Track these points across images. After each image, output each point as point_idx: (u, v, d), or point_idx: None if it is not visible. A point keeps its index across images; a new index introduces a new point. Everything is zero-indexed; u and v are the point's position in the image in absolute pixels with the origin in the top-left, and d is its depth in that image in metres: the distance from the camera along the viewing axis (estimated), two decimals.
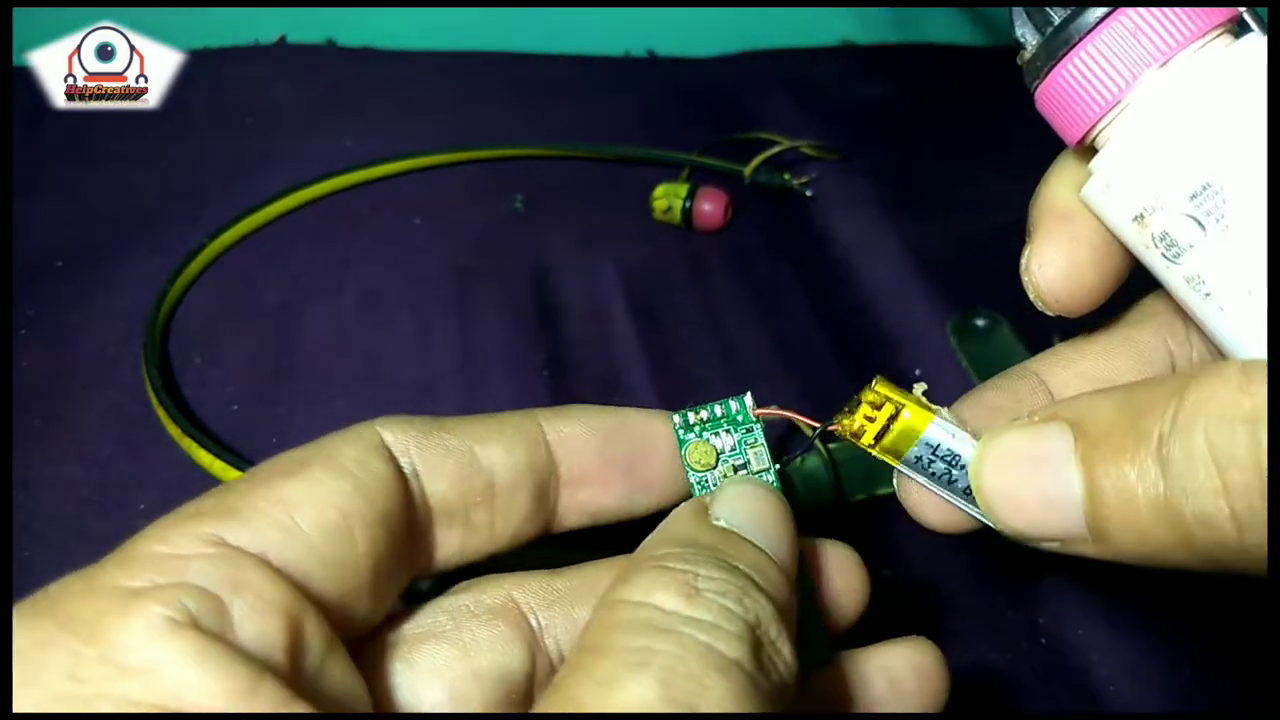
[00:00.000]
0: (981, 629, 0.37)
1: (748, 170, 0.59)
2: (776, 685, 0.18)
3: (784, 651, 0.19)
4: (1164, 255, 0.20)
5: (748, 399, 0.25)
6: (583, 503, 0.24)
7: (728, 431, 0.25)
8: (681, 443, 0.24)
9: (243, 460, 0.39)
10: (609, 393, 0.46)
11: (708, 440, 0.24)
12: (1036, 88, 0.22)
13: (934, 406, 0.24)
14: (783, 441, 0.44)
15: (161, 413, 0.41)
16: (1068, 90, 0.21)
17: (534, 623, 0.23)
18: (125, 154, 0.60)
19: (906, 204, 0.60)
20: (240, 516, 0.18)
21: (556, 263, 0.54)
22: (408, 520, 0.21)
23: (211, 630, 0.16)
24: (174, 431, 0.40)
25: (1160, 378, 0.19)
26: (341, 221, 0.56)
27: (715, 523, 0.21)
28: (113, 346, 0.46)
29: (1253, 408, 0.16)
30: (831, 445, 0.42)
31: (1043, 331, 0.49)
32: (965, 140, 0.67)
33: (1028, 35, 0.22)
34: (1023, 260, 0.24)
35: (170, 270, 0.49)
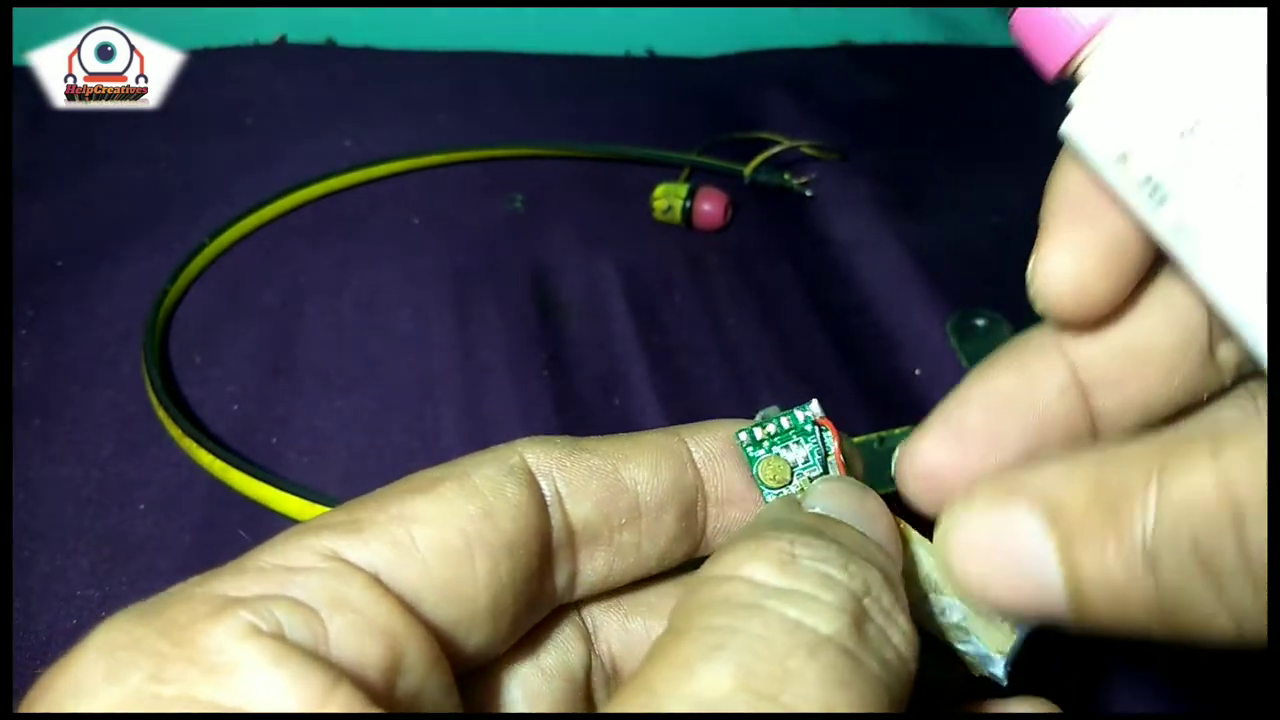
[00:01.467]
0: None
1: (748, 170, 0.59)
2: (889, 665, 0.16)
3: (899, 622, 0.17)
4: (1149, 199, 0.19)
5: (814, 407, 0.23)
6: (733, 522, 0.23)
7: (797, 444, 0.23)
8: (751, 461, 0.23)
9: (243, 460, 0.39)
10: (609, 393, 0.46)
11: (778, 455, 0.23)
12: (1011, 11, 0.20)
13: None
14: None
15: (161, 413, 0.41)
16: (1047, 16, 0.19)
17: (588, 623, 0.23)
18: (125, 154, 0.60)
19: (906, 204, 0.60)
20: (360, 532, 0.18)
21: (556, 263, 0.54)
22: (541, 548, 0.20)
23: (298, 642, 0.16)
24: (174, 431, 0.40)
25: (1127, 452, 0.17)
26: (341, 221, 0.56)
27: (811, 509, 0.20)
28: (113, 346, 0.46)
29: (1235, 508, 0.16)
30: None
31: None
32: (965, 140, 0.67)
33: None
34: (1030, 266, 0.22)
35: (170, 270, 0.49)
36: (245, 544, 0.38)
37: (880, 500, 0.21)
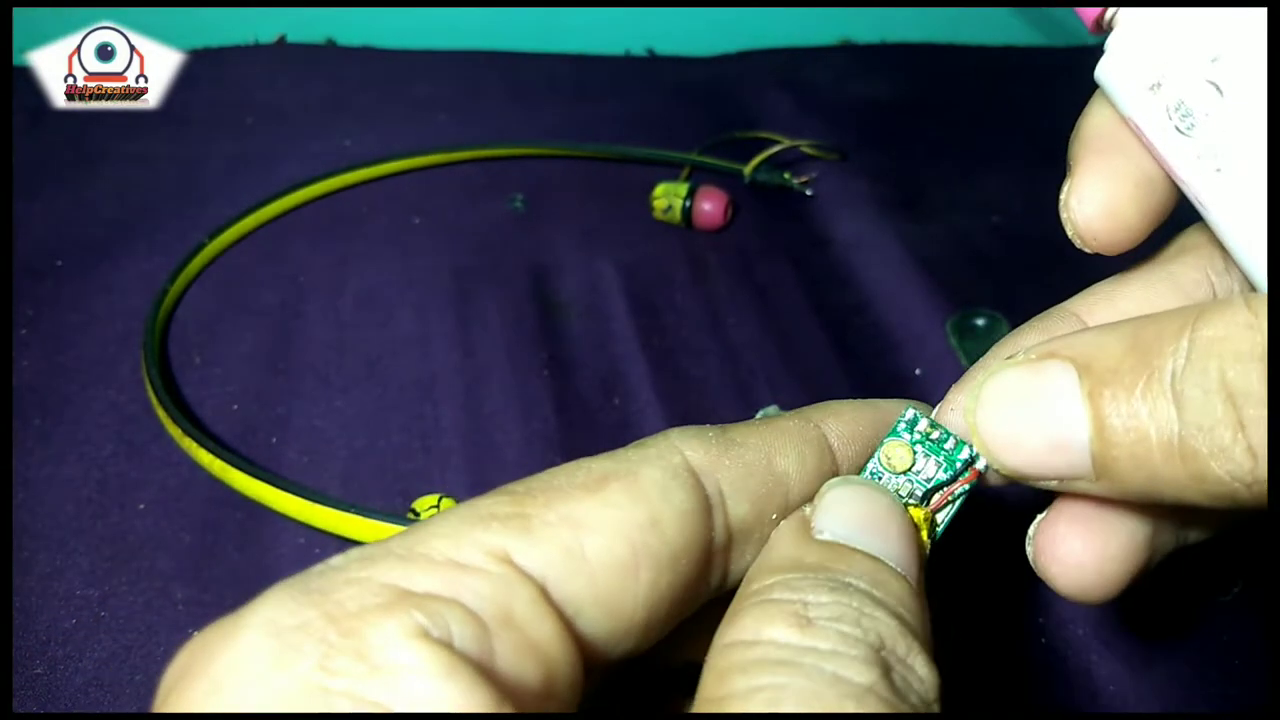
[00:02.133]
0: (981, 629, 0.37)
1: (748, 170, 0.59)
2: (918, 705, 0.17)
3: (917, 668, 0.18)
4: (1177, 128, 0.20)
5: (981, 463, 0.22)
6: None
7: (939, 463, 0.22)
8: (894, 433, 0.22)
9: (243, 460, 0.39)
10: (609, 393, 0.46)
11: (915, 450, 0.22)
12: None
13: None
14: None
15: (161, 413, 0.41)
16: None
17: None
18: (125, 154, 0.60)
19: (906, 204, 0.60)
20: (531, 532, 0.17)
21: (556, 262, 0.54)
22: (703, 556, 0.19)
23: (467, 654, 0.15)
24: (174, 431, 0.40)
25: (1164, 313, 0.18)
26: (341, 221, 0.56)
27: (819, 537, 0.20)
28: (113, 346, 0.46)
29: (1264, 343, 0.17)
30: None
31: None
32: (965, 140, 0.67)
33: None
34: (1061, 196, 0.23)
35: (170, 270, 0.49)
36: (245, 543, 0.38)
37: (892, 501, 0.21)
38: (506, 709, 0.15)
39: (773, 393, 0.46)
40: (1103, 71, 0.21)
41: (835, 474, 0.22)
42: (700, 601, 0.20)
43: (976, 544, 0.41)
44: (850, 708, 0.16)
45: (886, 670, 0.17)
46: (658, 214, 0.57)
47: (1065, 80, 0.82)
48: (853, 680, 0.16)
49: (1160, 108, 0.20)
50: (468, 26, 0.74)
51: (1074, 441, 0.18)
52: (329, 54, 0.72)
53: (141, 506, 0.39)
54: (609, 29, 0.76)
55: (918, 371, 0.48)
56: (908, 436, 0.22)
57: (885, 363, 0.49)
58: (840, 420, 0.22)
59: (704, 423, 0.40)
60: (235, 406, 0.44)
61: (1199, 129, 0.19)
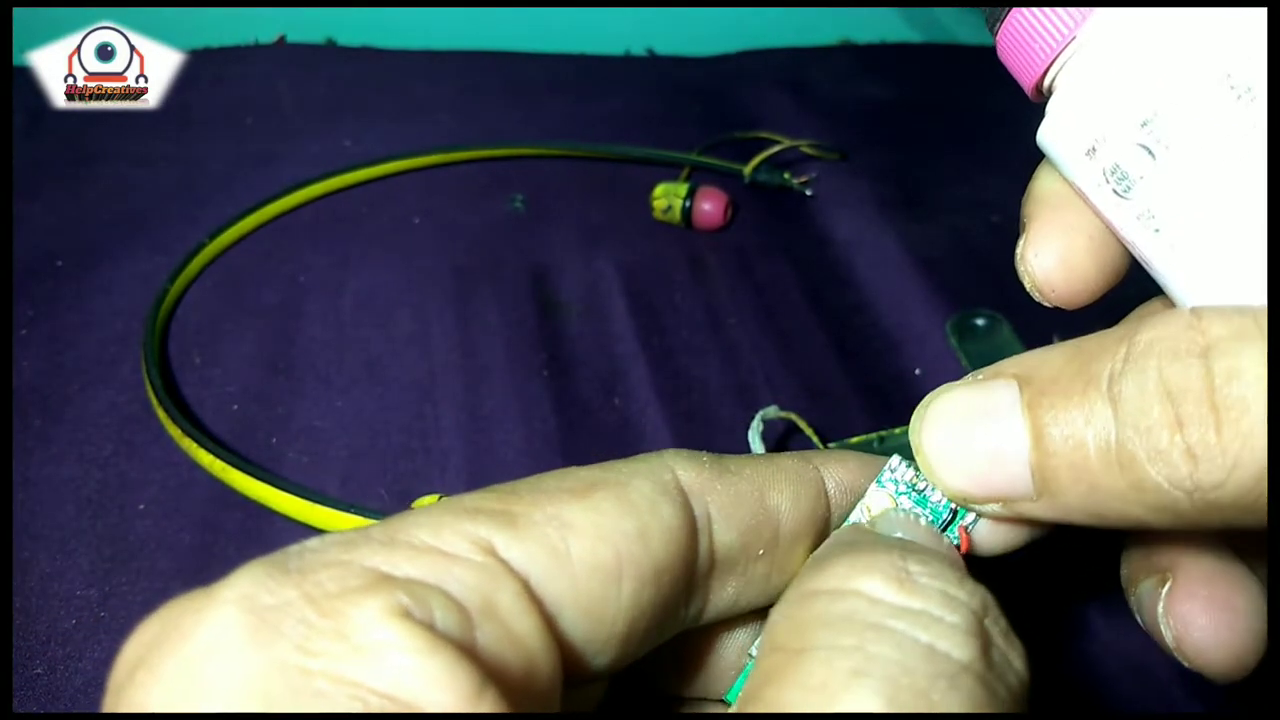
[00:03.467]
0: None
1: (748, 170, 0.59)
2: (1014, 691, 0.16)
3: (1017, 644, 0.17)
4: (1115, 191, 0.20)
5: (969, 518, 0.22)
6: None
7: (924, 514, 0.22)
8: (879, 482, 0.22)
9: (243, 460, 0.39)
10: (609, 393, 0.46)
11: (898, 501, 0.22)
12: (996, 35, 0.22)
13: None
14: (783, 440, 0.44)
15: (161, 413, 0.41)
16: (1023, 33, 0.21)
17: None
18: (125, 154, 0.60)
19: (906, 204, 0.60)
20: (517, 527, 0.17)
21: (556, 263, 0.54)
22: (685, 575, 0.19)
23: (450, 636, 0.15)
24: (174, 431, 0.40)
25: (1109, 330, 0.18)
26: (341, 221, 0.56)
27: (892, 535, 0.20)
28: (113, 346, 0.46)
29: (1205, 343, 0.16)
30: (831, 445, 0.42)
31: (1043, 331, 0.49)
32: (965, 140, 0.67)
33: None
34: (1018, 250, 0.23)
35: (170, 270, 0.49)
36: (245, 543, 0.38)
37: (944, 525, 0.21)
38: (489, 691, 0.14)
39: (773, 393, 0.46)
40: (1043, 136, 0.22)
41: (829, 520, 0.22)
42: (675, 629, 0.20)
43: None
44: (941, 689, 0.15)
45: (987, 646, 0.16)
46: (657, 214, 0.57)
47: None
48: (950, 655, 0.15)
49: (1098, 171, 0.20)
50: (468, 26, 0.74)
51: (1013, 455, 0.18)
52: (329, 54, 0.72)
53: (141, 506, 0.39)
54: (609, 29, 0.76)
55: (918, 371, 0.48)
56: (891, 487, 0.22)
57: (885, 363, 0.49)
58: (843, 468, 0.22)
59: (704, 423, 0.41)
60: (235, 406, 0.44)
61: (1135, 191, 0.20)
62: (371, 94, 0.68)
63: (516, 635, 0.16)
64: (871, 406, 0.46)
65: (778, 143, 0.61)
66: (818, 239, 0.57)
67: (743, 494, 0.20)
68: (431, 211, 0.57)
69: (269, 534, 0.38)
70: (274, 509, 0.38)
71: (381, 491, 0.40)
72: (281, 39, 0.73)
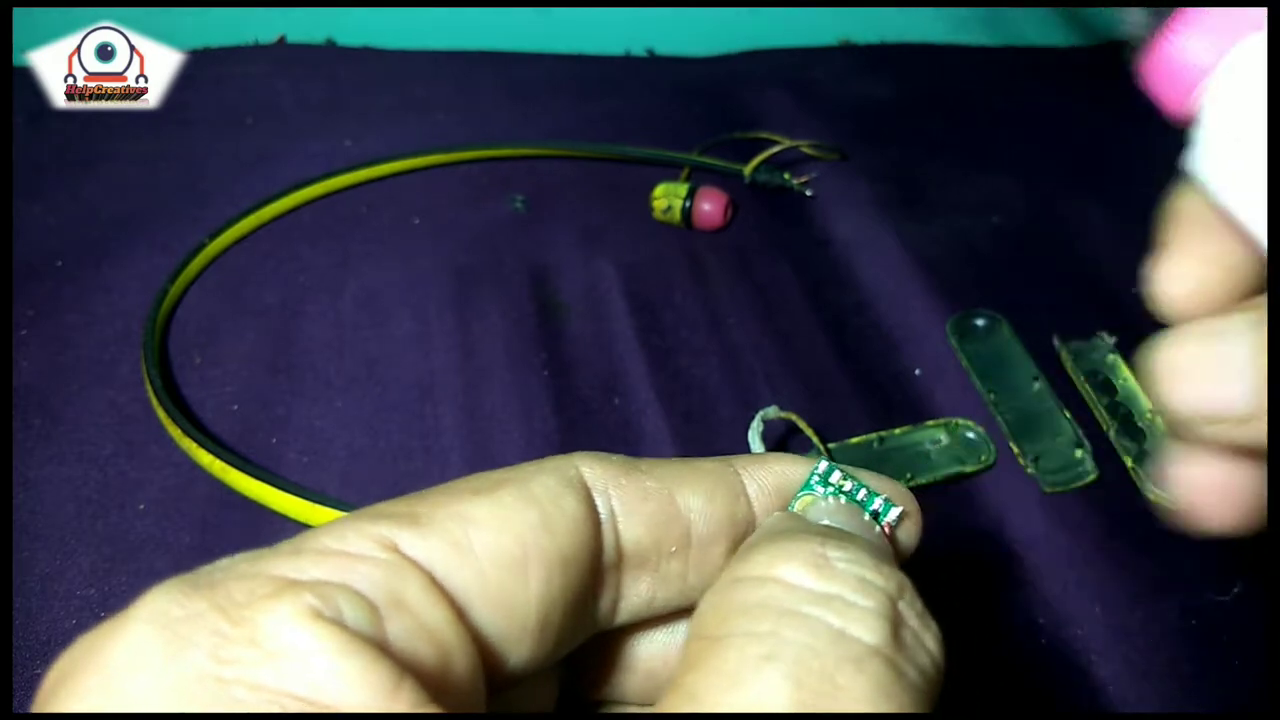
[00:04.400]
0: (981, 629, 0.38)
1: (748, 170, 0.59)
2: (925, 672, 0.17)
3: (931, 626, 0.17)
4: (1261, 214, 0.20)
5: (893, 515, 0.22)
6: None
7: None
8: (807, 486, 0.22)
9: (243, 460, 0.39)
10: (609, 393, 0.46)
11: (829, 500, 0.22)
12: (1144, 56, 0.22)
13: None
14: (783, 440, 0.44)
15: (161, 413, 0.41)
16: (1171, 56, 0.21)
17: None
18: (125, 154, 0.60)
19: (906, 204, 0.60)
20: (420, 525, 0.17)
21: (556, 263, 0.54)
22: (593, 566, 0.19)
23: (361, 633, 0.15)
24: (174, 431, 0.40)
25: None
26: (341, 221, 0.56)
27: (819, 522, 0.20)
28: (113, 346, 0.46)
29: None
30: (831, 446, 0.42)
31: (1043, 331, 0.49)
32: (965, 140, 0.67)
33: (1138, 18, 0.22)
34: (1151, 268, 0.24)
35: (170, 270, 0.49)
36: (246, 543, 0.38)
37: (871, 519, 0.21)
38: (406, 684, 0.14)
39: (773, 393, 0.46)
40: (1191, 160, 0.22)
41: (751, 522, 0.22)
42: (591, 628, 0.20)
43: (975, 545, 0.42)
44: (848, 672, 0.15)
45: (897, 627, 0.17)
46: (658, 214, 0.57)
47: (1066, 80, 0.83)
48: (860, 639, 0.16)
49: (1251, 199, 0.20)
50: (468, 26, 0.74)
51: (1242, 372, 0.20)
52: (329, 54, 0.72)
53: (141, 506, 0.39)
54: (609, 29, 0.76)
55: (918, 372, 0.48)
56: (820, 490, 0.22)
57: (885, 363, 0.49)
58: (766, 470, 0.22)
59: (704, 423, 0.41)
60: (235, 406, 0.44)
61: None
62: (371, 94, 0.68)
63: (428, 626, 0.16)
64: (871, 406, 0.46)
65: (778, 143, 0.61)
66: (818, 239, 0.57)
67: (649, 490, 0.20)
68: (431, 211, 0.57)
69: (269, 534, 0.38)
70: (274, 509, 0.38)
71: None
72: (281, 39, 0.73)
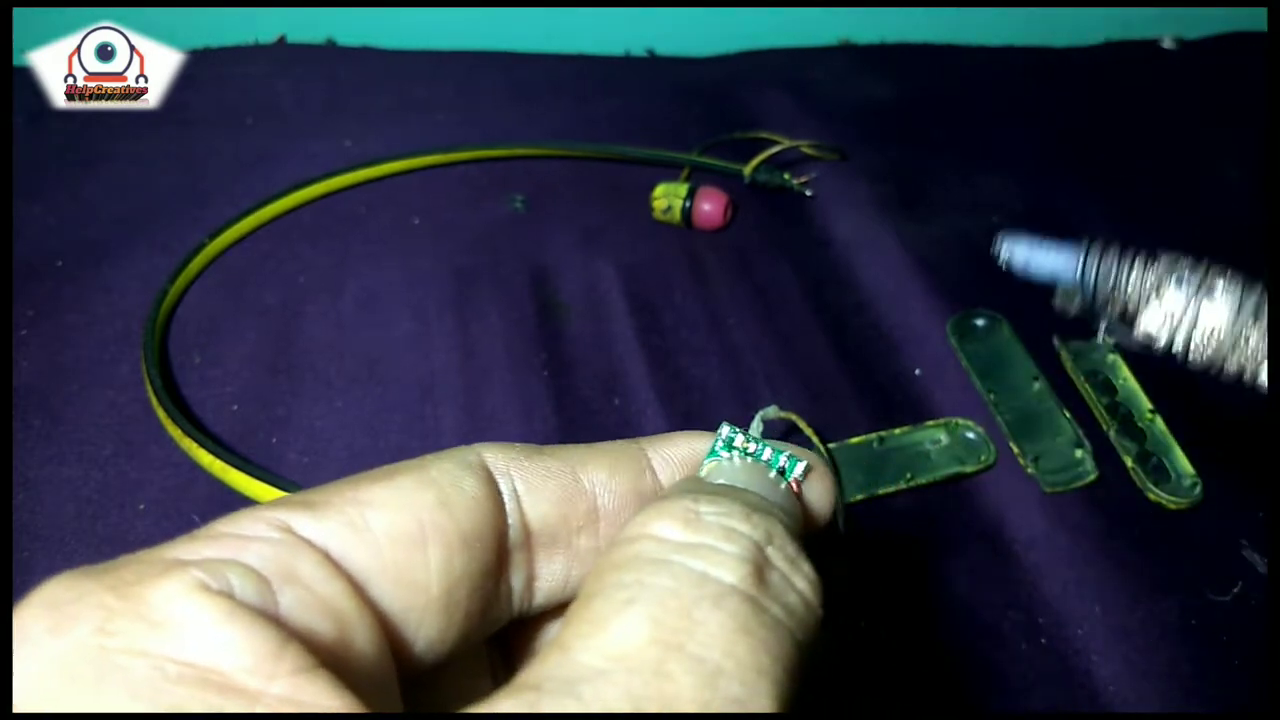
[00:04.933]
0: (982, 629, 0.37)
1: (748, 170, 0.59)
2: (793, 610, 0.17)
3: (803, 569, 0.18)
4: None
5: (798, 470, 0.22)
6: None
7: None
8: (712, 453, 0.22)
9: (243, 460, 0.39)
10: (609, 393, 0.46)
11: (734, 460, 0.22)
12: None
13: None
14: (783, 440, 0.44)
15: (161, 413, 0.41)
16: None
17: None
18: (125, 154, 0.60)
19: (906, 204, 0.60)
20: (314, 510, 0.18)
21: (556, 263, 0.54)
22: (498, 544, 0.20)
23: (248, 603, 0.15)
24: (174, 431, 0.40)
25: None
26: (341, 221, 0.56)
27: (715, 481, 0.21)
28: (113, 346, 0.46)
29: None
30: (831, 445, 0.42)
31: (1042, 331, 0.49)
32: (965, 140, 0.67)
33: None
34: None
35: (170, 270, 0.49)
36: None
37: (772, 471, 0.22)
38: (290, 649, 0.15)
39: (773, 393, 0.46)
40: None
41: (657, 494, 0.22)
42: (507, 605, 0.21)
43: (976, 545, 0.42)
44: (705, 608, 0.16)
45: (760, 569, 0.17)
46: (658, 214, 0.57)
47: (1065, 80, 0.83)
48: (719, 579, 0.17)
49: None
50: (468, 26, 0.74)
51: None
52: (329, 54, 0.72)
53: (141, 506, 0.39)
54: (609, 29, 0.76)
55: (918, 371, 0.48)
56: (725, 455, 0.22)
57: (885, 363, 0.49)
58: (670, 445, 0.23)
59: (704, 423, 0.41)
60: (235, 406, 0.44)
61: None
62: (371, 94, 0.68)
63: (322, 598, 0.16)
64: (871, 406, 0.46)
65: (778, 143, 0.61)
66: (818, 239, 0.57)
67: (551, 469, 0.21)
68: (431, 211, 0.57)
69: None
70: None
71: None
72: (281, 39, 0.73)
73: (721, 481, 0.21)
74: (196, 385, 0.45)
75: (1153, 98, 0.74)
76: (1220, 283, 0.21)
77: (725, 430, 0.22)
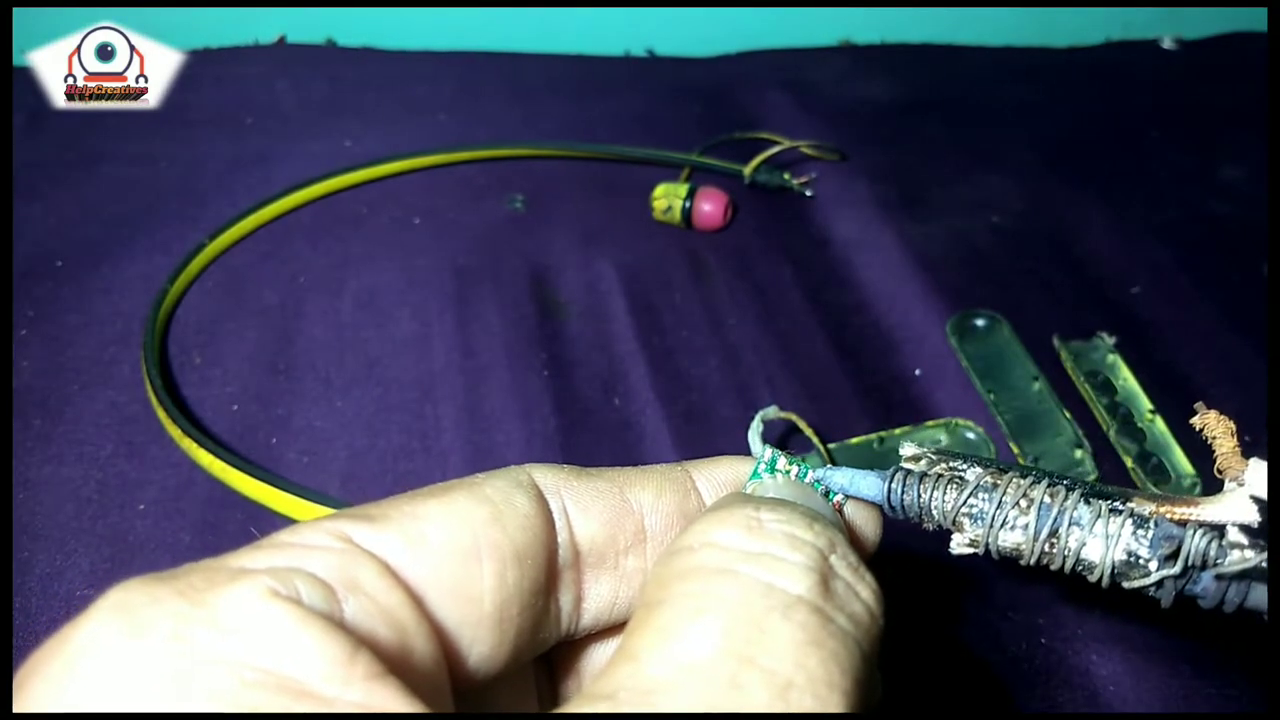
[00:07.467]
0: (982, 629, 0.37)
1: (748, 170, 0.59)
2: (858, 620, 0.17)
3: (866, 577, 0.18)
4: None
5: (837, 497, 0.23)
6: None
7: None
8: (755, 474, 0.23)
9: (243, 460, 0.39)
10: (609, 393, 0.46)
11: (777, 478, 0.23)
12: None
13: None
14: (783, 440, 0.44)
15: (161, 413, 0.41)
16: None
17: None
18: (125, 154, 0.60)
19: (906, 204, 0.60)
20: (372, 522, 0.18)
21: (556, 263, 0.54)
22: (548, 561, 0.20)
23: (316, 609, 0.16)
24: (174, 431, 0.40)
25: None
26: (341, 221, 0.56)
27: (766, 494, 0.21)
28: (112, 346, 0.46)
29: None
30: (831, 446, 0.42)
31: (1042, 331, 0.49)
32: (965, 140, 0.67)
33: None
34: None
35: (170, 270, 0.49)
36: (245, 543, 0.38)
37: (825, 494, 0.22)
38: (362, 656, 0.15)
39: (773, 393, 0.46)
40: None
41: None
42: (556, 624, 0.21)
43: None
44: (774, 619, 0.16)
45: (825, 578, 0.17)
46: (658, 214, 0.57)
47: (1064, 80, 0.83)
48: (786, 590, 0.17)
49: None
50: (468, 26, 0.74)
51: None
52: (329, 54, 0.72)
53: (141, 507, 0.39)
54: (609, 29, 0.76)
55: (918, 372, 0.48)
56: (768, 476, 0.23)
57: (885, 363, 0.49)
58: (715, 467, 0.23)
59: (704, 423, 0.41)
60: (235, 406, 0.44)
61: None
62: (371, 94, 0.68)
63: (384, 607, 0.17)
64: (871, 406, 0.46)
65: (778, 143, 0.61)
66: (818, 239, 0.57)
67: (600, 489, 0.21)
68: (431, 212, 0.57)
69: (269, 534, 0.38)
70: (274, 509, 0.38)
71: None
72: (281, 39, 0.73)
73: (770, 495, 0.21)
74: (196, 385, 0.45)
75: (1153, 98, 0.74)
76: (1014, 514, 0.21)
77: (768, 452, 0.23)
